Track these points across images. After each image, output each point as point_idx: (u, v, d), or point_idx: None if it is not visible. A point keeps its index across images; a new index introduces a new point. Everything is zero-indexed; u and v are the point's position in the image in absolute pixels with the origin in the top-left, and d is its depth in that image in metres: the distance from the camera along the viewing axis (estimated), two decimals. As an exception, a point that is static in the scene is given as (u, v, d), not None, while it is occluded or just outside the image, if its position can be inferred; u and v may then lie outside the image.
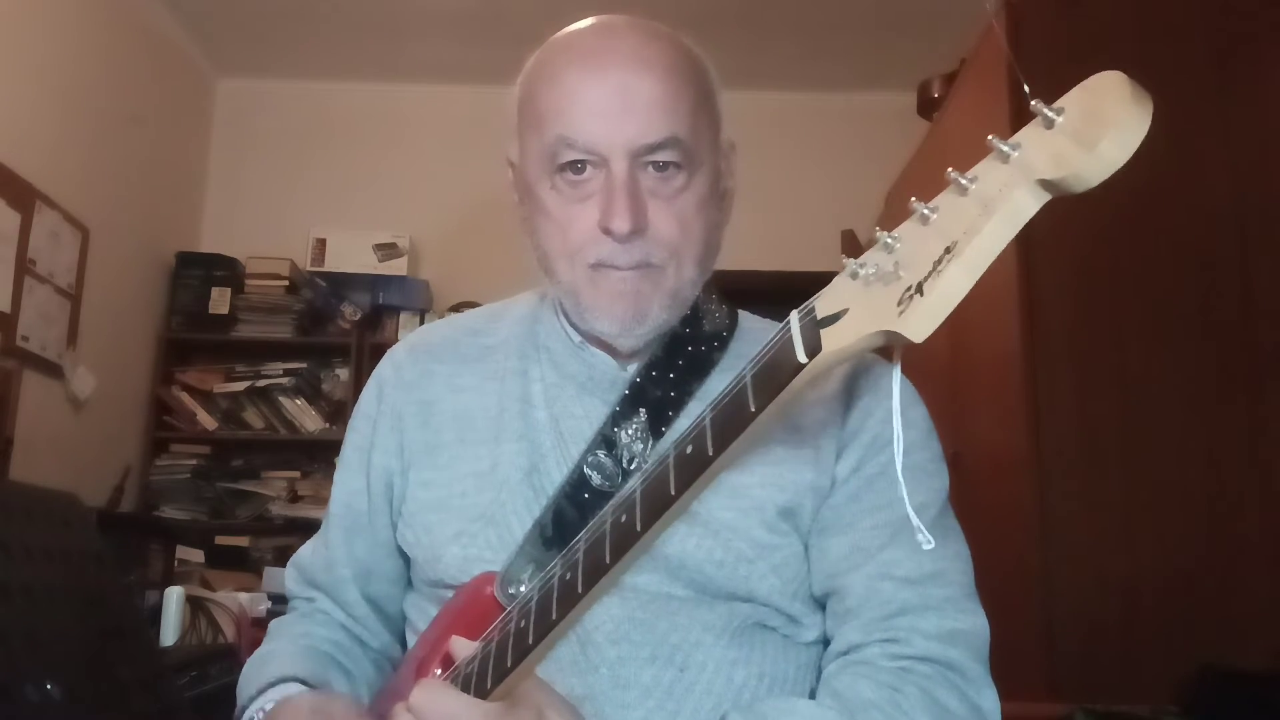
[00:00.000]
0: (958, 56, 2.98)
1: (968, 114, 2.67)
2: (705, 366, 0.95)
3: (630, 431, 0.91)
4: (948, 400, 2.56)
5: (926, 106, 3.25)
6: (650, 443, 0.90)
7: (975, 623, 0.87)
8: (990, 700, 0.85)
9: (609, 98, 0.86)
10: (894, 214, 3.54)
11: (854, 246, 3.75)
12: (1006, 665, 0.92)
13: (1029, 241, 2.17)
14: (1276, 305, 2.11)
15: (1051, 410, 2.12)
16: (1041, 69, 2.11)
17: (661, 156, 0.87)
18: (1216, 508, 2.05)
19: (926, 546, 0.60)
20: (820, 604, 0.92)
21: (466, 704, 0.71)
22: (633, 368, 0.94)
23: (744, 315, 1.03)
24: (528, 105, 0.92)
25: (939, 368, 2.66)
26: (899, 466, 0.59)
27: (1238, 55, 2.20)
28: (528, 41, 0.99)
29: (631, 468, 0.89)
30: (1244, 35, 2.21)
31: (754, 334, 1.00)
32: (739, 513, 0.88)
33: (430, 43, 4.10)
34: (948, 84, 3.07)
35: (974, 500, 2.23)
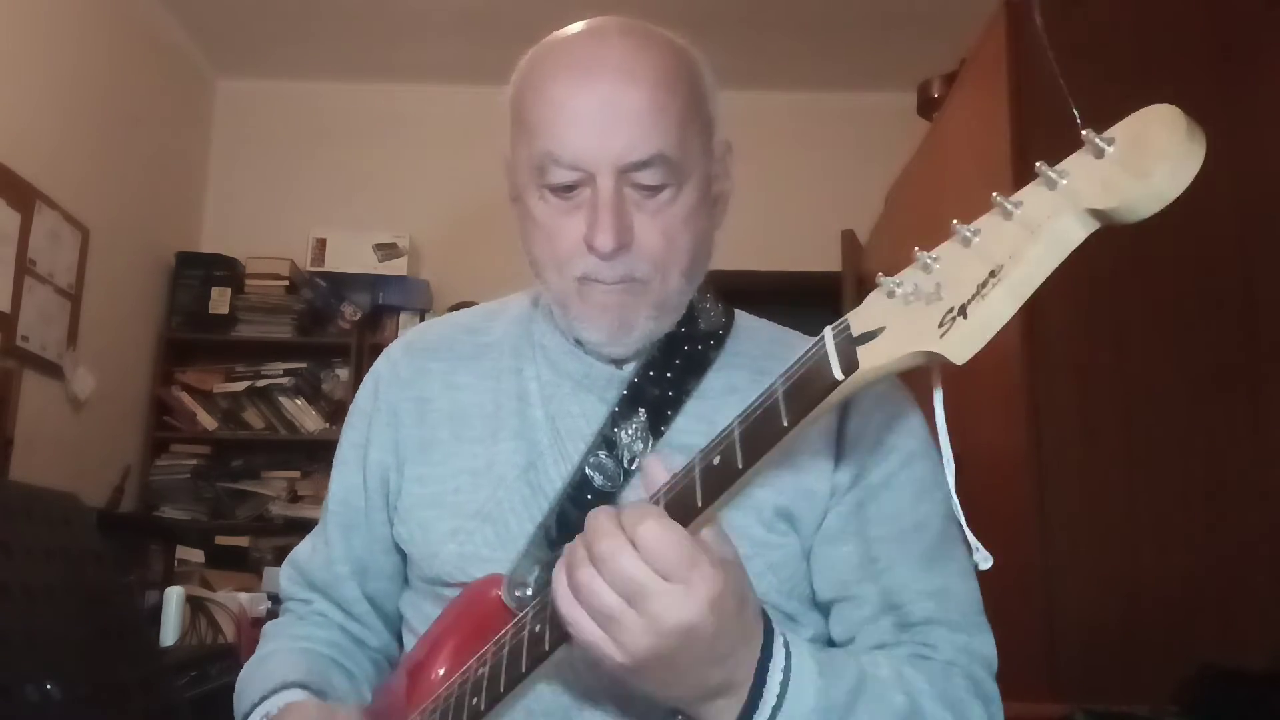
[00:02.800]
0: (958, 56, 2.98)
1: (968, 114, 2.67)
2: (702, 365, 0.95)
3: (630, 431, 0.91)
4: (947, 400, 2.56)
5: (926, 106, 3.25)
6: (650, 442, 0.90)
7: (987, 641, 0.88)
8: None
9: (595, 112, 0.85)
10: (894, 214, 3.54)
11: (854, 246, 3.75)
12: (1007, 665, 0.92)
13: (1029, 241, 2.16)
14: (1276, 305, 2.11)
15: (1051, 410, 2.12)
16: (1041, 69, 2.11)
17: (647, 174, 0.86)
18: (1216, 507, 2.04)
19: (984, 565, 0.60)
20: (818, 604, 0.92)
21: (694, 548, 0.66)
22: (630, 367, 0.94)
23: (740, 314, 1.02)
24: (517, 110, 0.92)
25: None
26: (951, 484, 0.61)
27: (1238, 55, 2.20)
28: (528, 41, 0.99)
29: (633, 467, 0.89)
30: (1244, 35, 2.21)
31: (751, 333, 1.00)
32: (737, 511, 0.88)
33: (430, 43, 4.10)
34: (948, 84, 3.06)
35: (974, 500, 2.22)
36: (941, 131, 2.93)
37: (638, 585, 0.66)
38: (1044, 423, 2.12)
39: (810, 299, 3.72)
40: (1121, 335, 2.13)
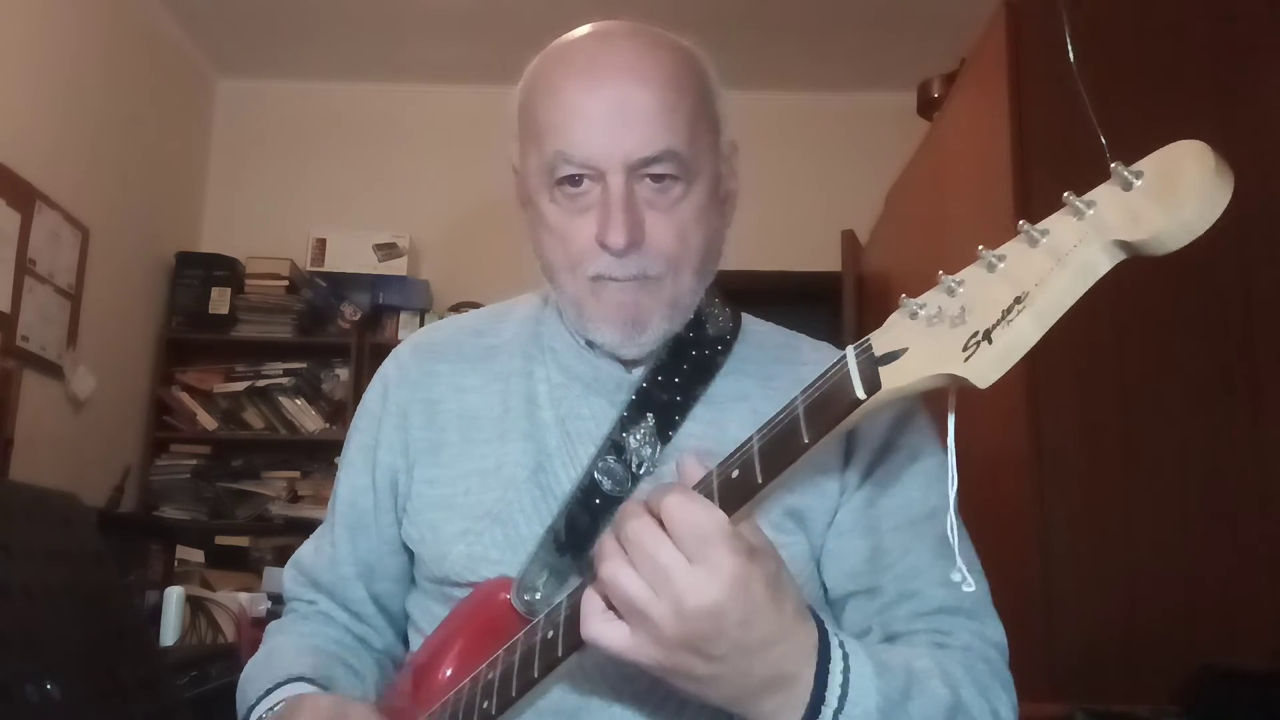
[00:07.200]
0: (958, 56, 2.98)
1: (968, 114, 2.67)
2: (710, 370, 0.95)
3: (639, 436, 0.91)
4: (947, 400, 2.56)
5: (926, 106, 3.25)
6: (658, 447, 0.91)
7: (999, 628, 0.89)
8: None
9: (605, 112, 0.86)
10: (894, 214, 3.53)
11: (854, 246, 3.75)
12: (1007, 665, 0.92)
13: (1029, 241, 2.16)
14: (1276, 305, 2.11)
15: (1051, 410, 2.12)
16: (1042, 69, 2.11)
17: (657, 170, 0.87)
18: (1216, 508, 2.04)
19: (967, 589, 0.63)
20: (830, 602, 0.92)
21: (722, 523, 0.66)
22: (638, 371, 0.95)
23: (747, 318, 1.03)
24: (527, 115, 0.93)
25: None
26: (952, 504, 0.62)
27: (1238, 55, 2.20)
28: (528, 41, 0.99)
29: (641, 472, 0.90)
30: (1244, 35, 2.21)
31: (757, 337, 1.01)
32: None
33: (430, 43, 4.10)
34: (948, 84, 3.06)
35: (974, 500, 2.23)
36: (941, 131, 2.93)
37: (663, 569, 0.65)
38: (1044, 423, 2.12)
39: (810, 299, 3.72)
40: (1122, 336, 2.13)
